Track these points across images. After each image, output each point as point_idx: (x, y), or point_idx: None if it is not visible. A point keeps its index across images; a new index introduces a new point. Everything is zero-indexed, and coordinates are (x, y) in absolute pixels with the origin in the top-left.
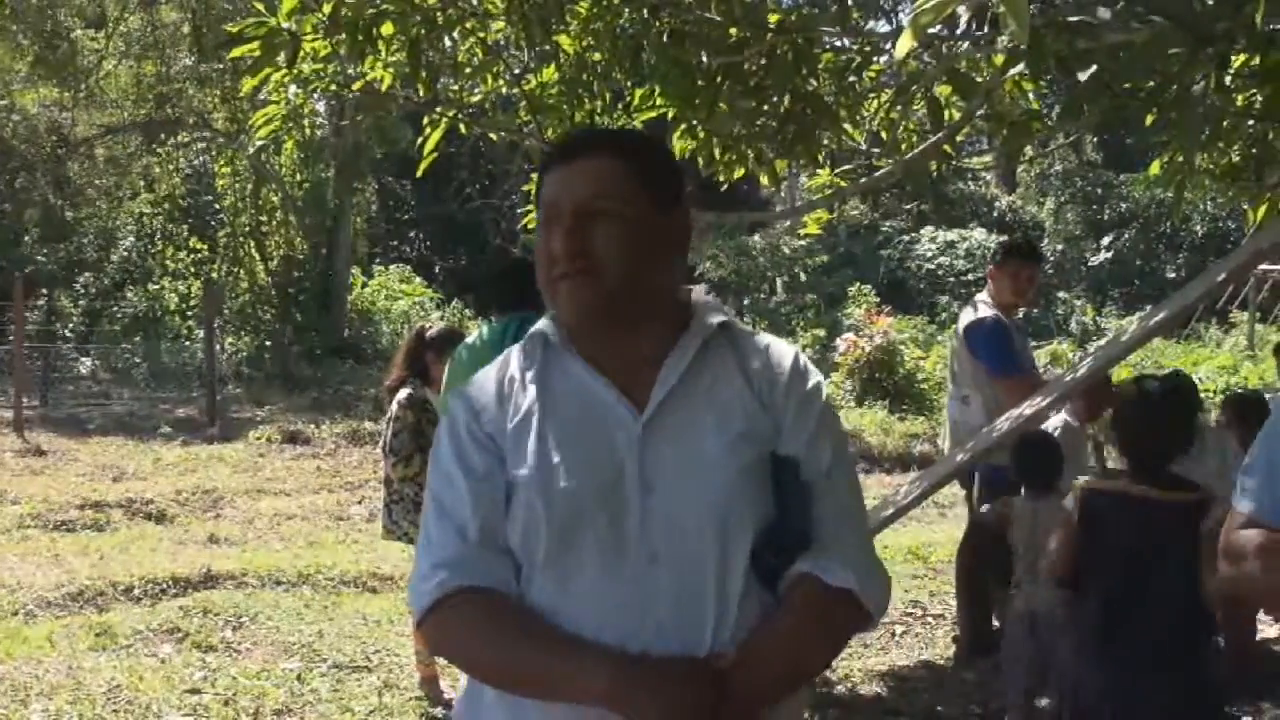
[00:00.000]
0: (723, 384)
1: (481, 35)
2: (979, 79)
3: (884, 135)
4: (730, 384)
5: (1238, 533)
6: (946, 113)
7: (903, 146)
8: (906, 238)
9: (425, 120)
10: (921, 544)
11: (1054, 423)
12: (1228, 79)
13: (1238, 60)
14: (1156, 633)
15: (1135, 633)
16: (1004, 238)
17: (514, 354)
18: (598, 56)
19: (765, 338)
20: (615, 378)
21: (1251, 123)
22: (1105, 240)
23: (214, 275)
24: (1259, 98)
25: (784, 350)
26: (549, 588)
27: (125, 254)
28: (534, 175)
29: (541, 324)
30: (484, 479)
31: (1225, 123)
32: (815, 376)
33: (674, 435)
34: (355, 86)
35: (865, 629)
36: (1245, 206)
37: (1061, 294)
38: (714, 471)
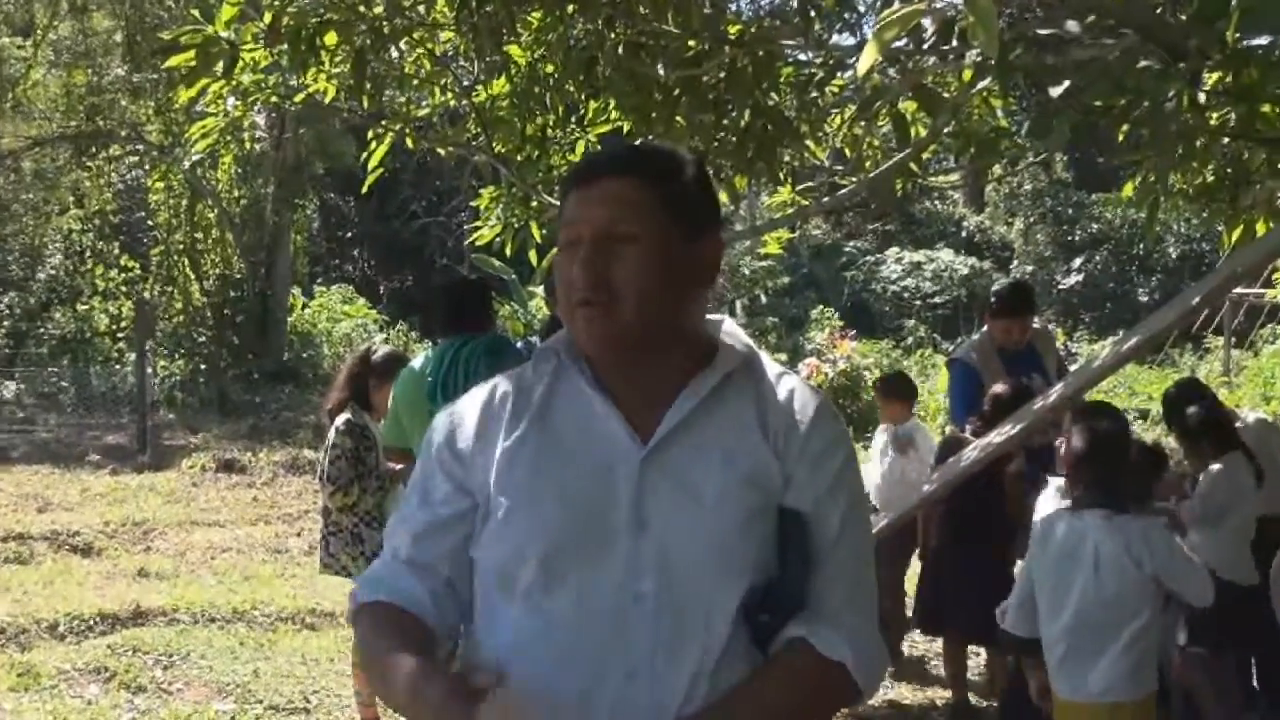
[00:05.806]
0: (736, 424)
1: (429, 46)
2: (946, 95)
3: (848, 152)
4: (744, 425)
5: None
6: (912, 129)
7: (867, 164)
8: (871, 259)
9: (370, 134)
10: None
11: None
12: (1201, 96)
13: (1211, 78)
14: (979, 514)
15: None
16: (1001, 284)
17: (514, 371)
18: (550, 68)
19: (791, 379)
20: (626, 405)
21: (1226, 142)
22: (1076, 262)
23: (146, 295)
24: (1233, 116)
25: (808, 397)
26: (526, 618)
27: (53, 272)
28: (481, 191)
29: (554, 339)
30: (440, 504)
31: (1199, 141)
32: (838, 428)
33: (674, 472)
34: (297, 99)
35: (853, 705)
36: (1220, 228)
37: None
38: (712, 514)
